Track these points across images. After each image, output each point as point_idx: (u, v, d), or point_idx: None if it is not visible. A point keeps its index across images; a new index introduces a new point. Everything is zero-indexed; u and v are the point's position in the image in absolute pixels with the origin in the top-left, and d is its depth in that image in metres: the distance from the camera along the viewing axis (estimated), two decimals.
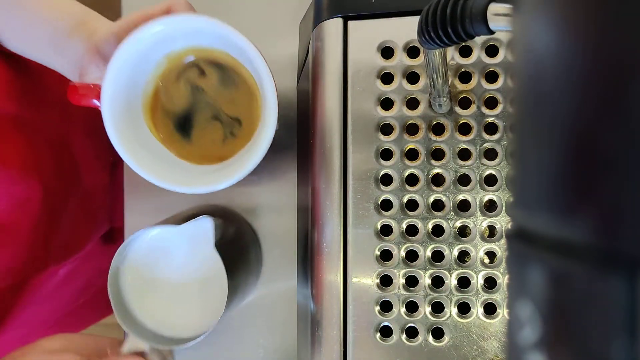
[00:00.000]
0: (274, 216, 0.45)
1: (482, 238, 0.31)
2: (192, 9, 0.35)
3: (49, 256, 0.46)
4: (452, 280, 0.31)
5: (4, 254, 0.40)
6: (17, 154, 0.40)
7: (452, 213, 0.31)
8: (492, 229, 0.31)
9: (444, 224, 0.31)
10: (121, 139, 0.35)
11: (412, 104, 0.32)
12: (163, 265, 0.38)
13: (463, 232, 0.31)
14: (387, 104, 0.32)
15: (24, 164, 0.41)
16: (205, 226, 0.36)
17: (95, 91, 0.35)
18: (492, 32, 0.21)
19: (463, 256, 0.31)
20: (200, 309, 0.37)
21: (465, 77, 0.31)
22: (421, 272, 0.31)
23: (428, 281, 0.31)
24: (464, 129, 0.31)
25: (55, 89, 0.46)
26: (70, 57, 0.37)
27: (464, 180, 0.31)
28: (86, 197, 0.50)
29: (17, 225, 0.41)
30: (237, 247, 0.41)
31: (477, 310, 0.30)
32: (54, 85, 0.47)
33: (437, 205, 0.31)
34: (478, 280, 0.30)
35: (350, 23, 0.32)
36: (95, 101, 0.35)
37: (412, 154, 0.31)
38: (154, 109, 0.40)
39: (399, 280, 0.31)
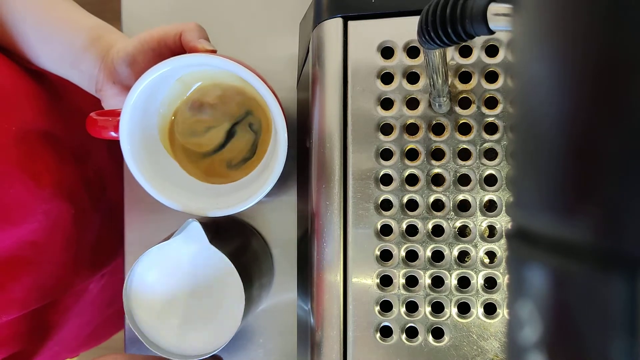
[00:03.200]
0: (276, 223, 0.45)
1: (482, 238, 0.31)
2: (203, 32, 0.36)
3: (77, 273, 0.46)
4: (452, 280, 0.31)
5: (40, 273, 0.40)
6: (48, 172, 0.40)
7: (452, 213, 0.31)
8: (492, 229, 0.31)
9: (444, 224, 0.31)
10: (141, 170, 0.36)
11: (412, 104, 0.32)
12: (175, 282, 0.37)
13: (463, 232, 0.31)
14: (387, 104, 0.32)
15: (56, 181, 0.41)
16: (194, 229, 0.36)
17: (114, 123, 0.35)
18: (492, 32, 0.21)
19: (463, 256, 0.31)
20: (217, 321, 0.37)
21: (465, 77, 0.31)
22: (421, 272, 0.31)
23: (428, 281, 0.31)
24: (464, 129, 0.31)
25: (80, 103, 0.47)
26: (86, 72, 0.38)
27: (464, 180, 0.31)
28: (112, 211, 0.50)
29: (51, 244, 0.41)
30: (248, 255, 0.40)
31: (477, 310, 0.30)
32: (78, 99, 0.47)
33: (437, 205, 0.31)
34: (478, 280, 0.30)
35: (350, 23, 0.32)
36: (113, 133, 0.35)
37: (412, 154, 0.31)
38: (171, 130, 0.41)
39: (399, 280, 0.31)
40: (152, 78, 0.33)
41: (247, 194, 0.36)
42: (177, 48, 0.35)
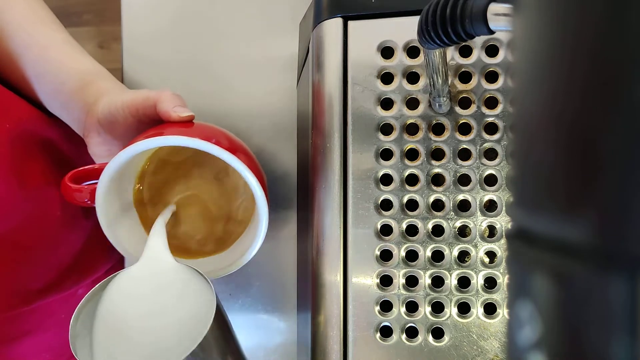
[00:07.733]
0: (274, 240, 0.45)
1: (482, 238, 0.31)
2: (179, 99, 0.35)
3: (64, 277, 0.45)
4: (452, 280, 0.31)
5: (20, 274, 0.40)
6: (36, 173, 0.40)
7: (452, 213, 0.31)
8: (492, 229, 0.31)
9: (444, 224, 0.31)
10: (118, 238, 0.36)
11: (412, 104, 0.32)
12: (136, 310, 0.33)
13: (463, 232, 0.31)
14: (387, 104, 0.32)
15: (43, 183, 0.41)
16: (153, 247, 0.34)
17: (88, 191, 0.35)
18: (492, 32, 0.21)
19: (463, 256, 0.31)
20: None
21: (465, 77, 0.31)
22: (421, 272, 0.31)
23: (428, 281, 0.31)
24: (464, 129, 0.31)
25: None
26: (73, 116, 0.39)
27: (464, 180, 0.31)
28: None
29: (34, 245, 0.41)
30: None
31: (477, 310, 0.30)
32: None
33: (437, 205, 0.31)
34: (478, 280, 0.30)
35: (350, 23, 0.32)
36: (88, 200, 0.36)
37: (412, 154, 0.31)
38: (144, 201, 0.41)
39: (399, 280, 0.31)
40: (120, 161, 0.33)
41: (237, 256, 0.37)
42: (155, 115, 0.35)
